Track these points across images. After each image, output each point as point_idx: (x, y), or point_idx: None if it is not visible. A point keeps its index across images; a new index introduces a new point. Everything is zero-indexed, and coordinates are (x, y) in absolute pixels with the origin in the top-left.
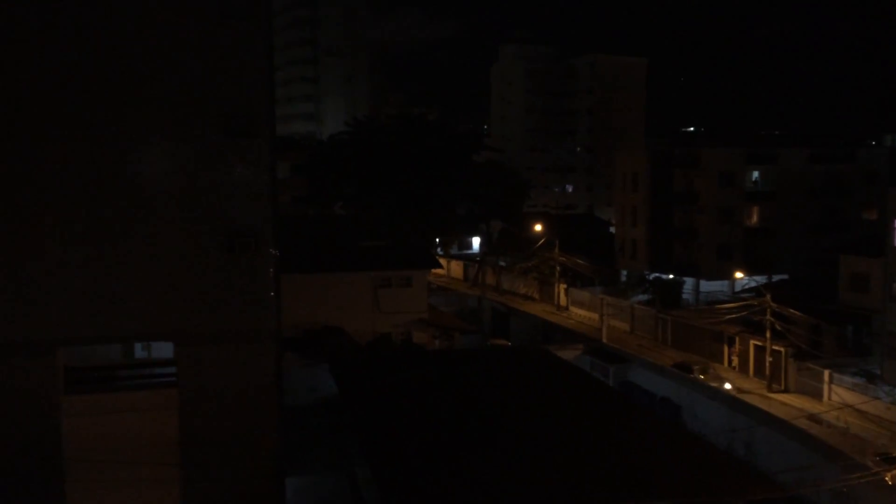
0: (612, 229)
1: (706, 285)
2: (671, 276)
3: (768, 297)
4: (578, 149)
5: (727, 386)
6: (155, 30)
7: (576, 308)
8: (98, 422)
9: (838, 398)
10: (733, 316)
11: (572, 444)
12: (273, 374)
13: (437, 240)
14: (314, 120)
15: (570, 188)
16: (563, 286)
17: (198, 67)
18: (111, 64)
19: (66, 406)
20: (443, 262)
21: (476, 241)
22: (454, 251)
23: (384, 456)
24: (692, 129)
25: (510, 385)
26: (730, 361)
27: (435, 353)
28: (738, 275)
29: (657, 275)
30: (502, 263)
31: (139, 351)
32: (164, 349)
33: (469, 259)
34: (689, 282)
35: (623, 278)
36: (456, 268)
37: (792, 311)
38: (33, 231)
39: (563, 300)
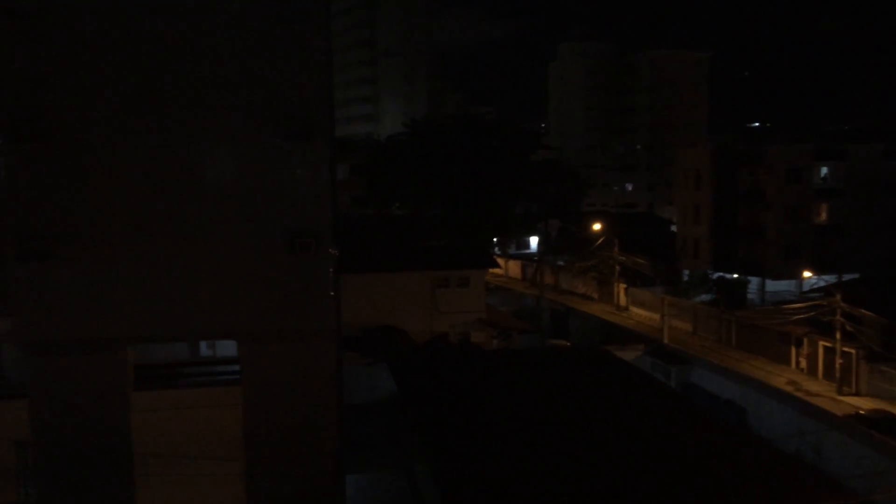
0: (674, 228)
1: (772, 285)
2: (735, 276)
3: (838, 296)
4: (638, 146)
5: None
6: (216, 35)
7: (636, 308)
8: (165, 418)
9: None
10: (801, 316)
11: (633, 446)
12: (333, 372)
13: (495, 239)
14: (373, 121)
15: (629, 186)
16: (622, 286)
17: (258, 71)
18: (175, 68)
19: (135, 402)
20: (500, 261)
21: (534, 241)
22: (512, 251)
23: (443, 455)
24: (757, 124)
25: (569, 386)
26: (798, 363)
27: (493, 352)
28: (807, 274)
29: (721, 274)
30: (561, 263)
31: (204, 349)
32: (228, 347)
33: (527, 258)
34: (754, 281)
35: (685, 278)
36: (514, 267)
37: (863, 311)
38: (106, 231)
39: (622, 300)
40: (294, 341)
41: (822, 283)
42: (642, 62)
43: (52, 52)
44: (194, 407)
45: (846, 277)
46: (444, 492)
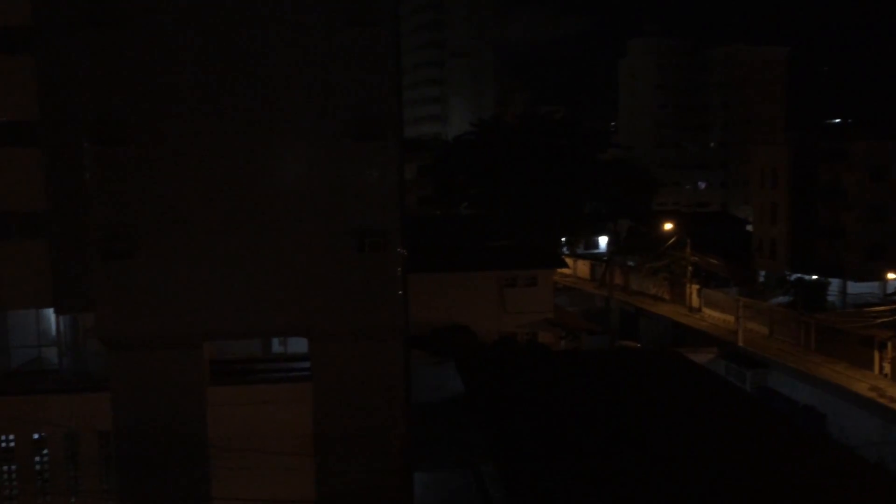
0: (750, 227)
1: (854, 287)
2: (814, 277)
3: None
4: (712, 144)
5: None
6: (288, 39)
7: (709, 310)
8: (239, 412)
9: None
10: (885, 320)
11: (706, 451)
12: (401, 370)
13: (563, 239)
14: (440, 121)
15: (702, 185)
16: (695, 287)
17: (329, 74)
18: (249, 72)
19: (210, 396)
20: (569, 261)
21: (603, 241)
22: (580, 250)
23: (510, 455)
24: (838, 120)
25: (640, 388)
26: (881, 368)
27: (561, 353)
28: (891, 276)
29: (799, 275)
30: (630, 263)
31: (276, 345)
32: (299, 344)
33: (596, 258)
34: (834, 283)
35: (761, 279)
36: (582, 267)
37: None
38: (184, 231)
39: (695, 301)
40: (363, 339)
41: None
42: (716, 58)
43: (134, 57)
44: (266, 402)
45: None
46: (510, 492)
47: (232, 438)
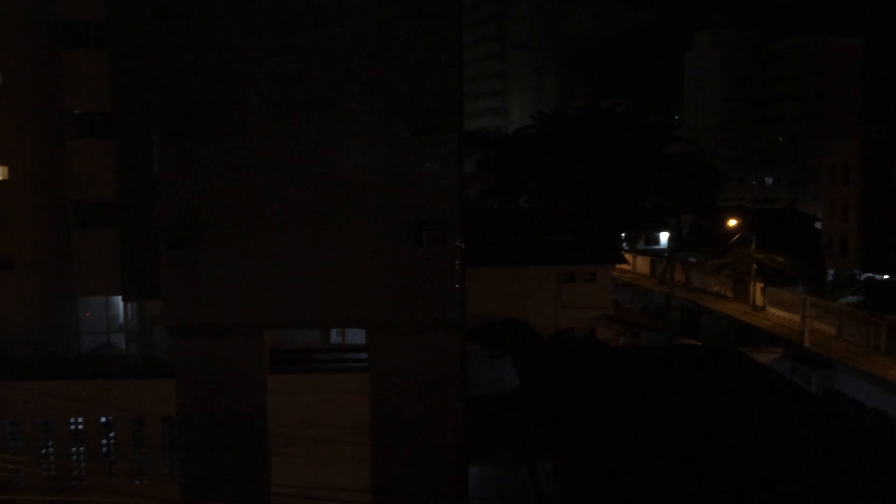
0: (818, 225)
1: None
2: (886, 277)
3: None
4: (780, 139)
5: None
6: (351, 32)
7: (773, 308)
8: (298, 401)
9: None
10: None
11: (771, 455)
12: (458, 363)
13: (623, 234)
14: (501, 114)
15: (769, 181)
16: (759, 285)
17: (391, 67)
18: (313, 65)
19: (270, 384)
20: (628, 257)
21: (664, 236)
22: (640, 246)
23: (567, 451)
24: None
25: (701, 387)
26: None
27: (620, 350)
28: None
29: (870, 275)
30: (692, 260)
31: (334, 336)
32: (356, 334)
33: (656, 254)
34: None
35: (830, 278)
36: (642, 263)
37: None
38: (248, 222)
39: (759, 300)
40: (420, 332)
41: None
42: (786, 50)
43: (202, 50)
44: (324, 391)
45: None
46: (566, 488)
47: (290, 426)
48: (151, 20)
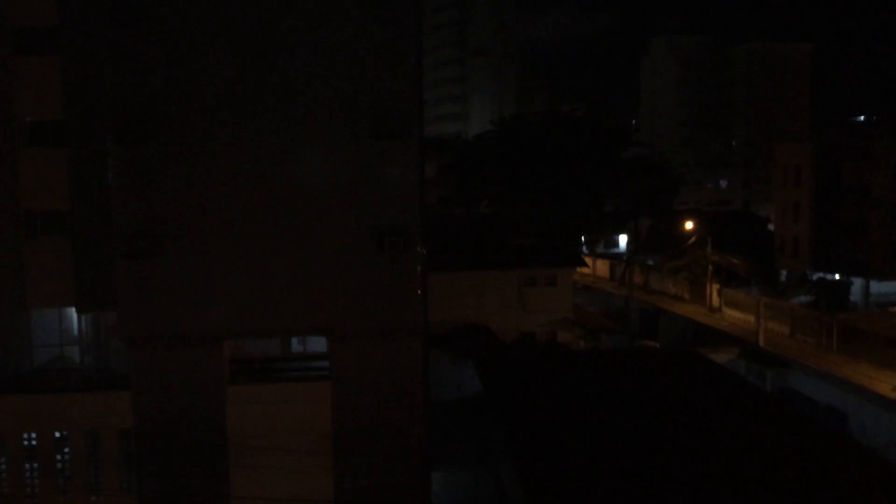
0: (771, 226)
1: (877, 286)
2: (837, 277)
3: None
4: (734, 142)
5: None
6: (311, 37)
7: (729, 309)
8: (258, 411)
9: None
10: None
11: (726, 452)
12: (420, 369)
13: (583, 238)
14: (461, 119)
15: (724, 184)
16: (715, 286)
17: (351, 72)
18: (271, 70)
19: (230, 395)
20: (588, 260)
21: (623, 240)
22: (600, 249)
23: (528, 455)
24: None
25: (659, 388)
26: None
27: (580, 353)
28: None
29: (821, 275)
30: (650, 262)
31: (295, 345)
32: (318, 343)
33: (615, 258)
34: (857, 283)
35: (782, 278)
36: (602, 266)
37: None
38: (206, 231)
39: (715, 301)
40: (382, 339)
41: None
42: (739, 55)
43: (158, 57)
44: (286, 401)
45: None
46: (528, 492)
47: (251, 437)
48: (107, 27)
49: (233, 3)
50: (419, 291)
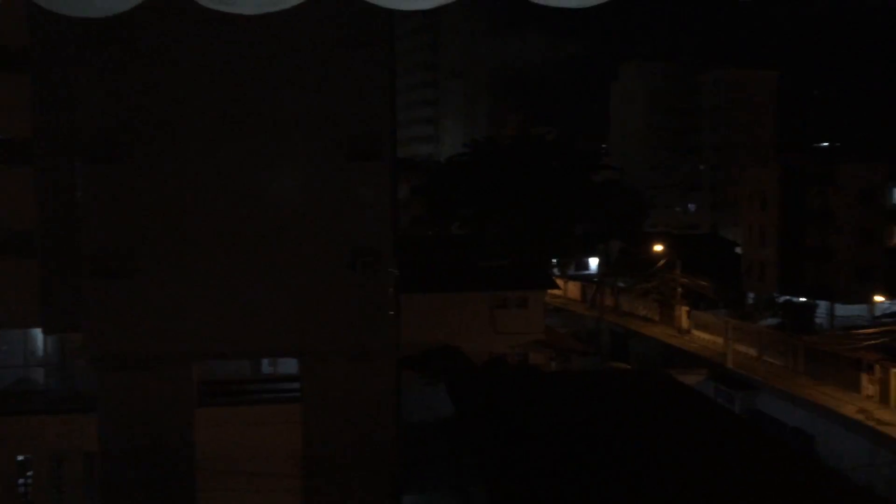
0: (738, 250)
1: (842, 309)
2: (803, 300)
3: None
4: (702, 167)
5: None
6: (286, 59)
7: (698, 331)
8: (227, 434)
9: None
10: (873, 342)
11: (696, 474)
12: (392, 391)
13: (554, 260)
14: (434, 142)
15: (692, 207)
16: (685, 308)
17: (324, 94)
18: (244, 92)
19: (198, 418)
20: (560, 282)
21: (594, 262)
22: (571, 272)
23: (499, 477)
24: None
25: (630, 409)
26: (869, 391)
27: (551, 374)
28: (879, 298)
29: (787, 298)
30: (621, 284)
31: (266, 366)
32: (289, 364)
33: (587, 280)
34: (822, 305)
35: (750, 301)
36: (573, 288)
37: None
38: (175, 250)
39: (684, 323)
40: (354, 360)
41: (895, 308)
42: (706, 81)
43: (129, 76)
44: (256, 424)
45: None
46: None
47: (220, 460)
48: (77, 45)
49: (207, 28)
50: (392, 313)
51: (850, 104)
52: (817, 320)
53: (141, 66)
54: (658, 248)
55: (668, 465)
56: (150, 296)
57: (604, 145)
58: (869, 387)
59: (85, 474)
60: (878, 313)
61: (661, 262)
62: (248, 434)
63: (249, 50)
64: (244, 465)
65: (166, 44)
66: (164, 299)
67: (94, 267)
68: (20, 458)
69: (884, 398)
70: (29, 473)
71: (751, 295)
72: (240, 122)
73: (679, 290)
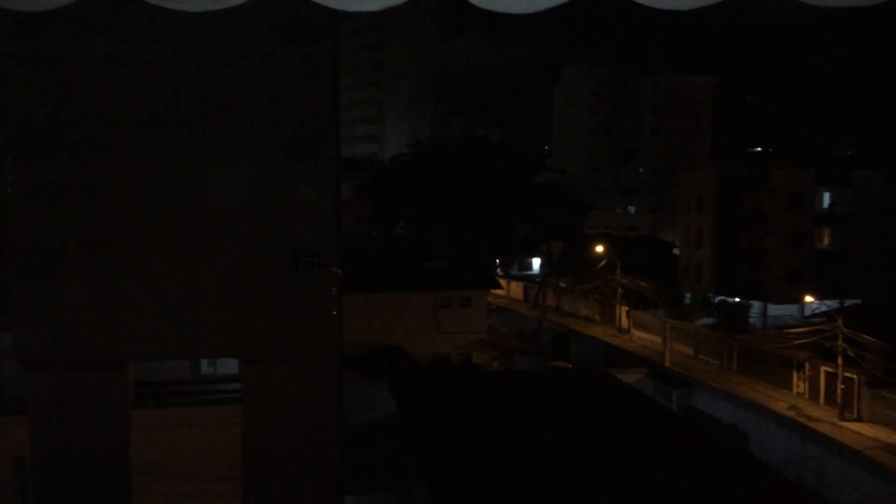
0: (676, 251)
1: (774, 309)
2: (737, 300)
3: (840, 321)
4: (641, 170)
5: None
6: (225, 56)
7: (638, 331)
8: (164, 436)
9: None
10: (803, 341)
11: (634, 470)
12: (335, 392)
13: (498, 260)
14: (377, 141)
15: (632, 209)
16: (624, 308)
17: (266, 92)
18: (182, 88)
19: (134, 420)
20: (503, 282)
21: (536, 262)
22: (514, 272)
23: (442, 477)
24: (760, 149)
25: (571, 408)
26: (799, 388)
27: (494, 374)
28: (808, 299)
29: (723, 298)
30: (563, 285)
31: (205, 367)
32: (229, 365)
33: (529, 280)
34: (756, 306)
35: (687, 301)
36: (516, 289)
37: (865, 336)
38: (109, 249)
39: (624, 323)
40: (296, 361)
41: (823, 308)
42: (646, 86)
43: (60, 71)
44: (194, 425)
45: (848, 303)
46: None
47: (157, 463)
48: (6, 39)
49: (142, 22)
50: (334, 313)
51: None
52: (751, 320)
53: (72, 61)
54: (599, 249)
55: (606, 462)
56: (81, 296)
57: (547, 147)
58: (800, 384)
59: (15, 479)
60: (807, 313)
61: (602, 262)
62: (186, 436)
63: (187, 46)
64: (182, 468)
65: (100, 38)
66: (97, 299)
67: (22, 266)
68: None
69: (813, 395)
70: None
71: (688, 295)
72: (176, 119)
73: (619, 290)
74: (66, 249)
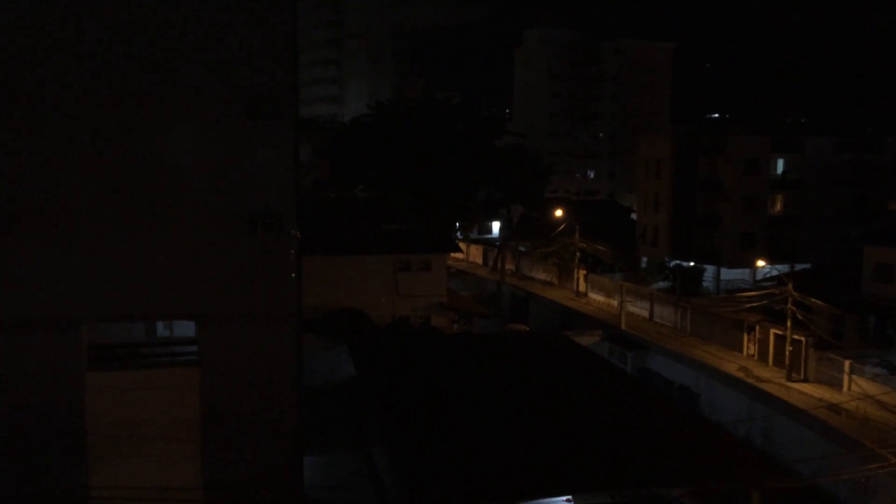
0: (634, 216)
1: (727, 273)
2: (692, 264)
3: (790, 285)
4: (601, 134)
5: None
6: (181, 13)
7: (595, 294)
8: (121, 398)
9: (858, 389)
10: (754, 304)
11: (589, 430)
12: (293, 354)
13: (457, 224)
14: (337, 102)
15: (591, 174)
16: (582, 272)
17: (223, 50)
18: (137, 45)
19: (89, 382)
20: (462, 246)
21: (496, 226)
22: (474, 235)
23: (401, 438)
24: (717, 115)
25: (528, 370)
26: (749, 350)
27: (453, 336)
28: (760, 263)
29: (678, 262)
30: (522, 248)
31: (161, 329)
32: (186, 327)
33: (489, 244)
34: (710, 270)
35: (643, 265)
36: (475, 252)
37: (814, 300)
38: (63, 209)
39: (582, 286)
40: (254, 323)
41: (775, 273)
42: (606, 50)
43: (9, 24)
44: (150, 388)
45: (798, 267)
46: (401, 474)
47: (113, 426)
48: None
49: None
50: (293, 275)
51: (740, 77)
52: (704, 284)
53: (17, 13)
54: (558, 213)
55: (562, 424)
56: (36, 256)
57: (507, 111)
58: (750, 346)
59: None
60: (759, 277)
61: (561, 226)
62: (142, 398)
63: (138, 4)
64: (139, 430)
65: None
66: (52, 260)
67: None
68: None
69: (763, 357)
70: None
71: (644, 259)
72: (132, 76)
73: (577, 254)
74: (18, 209)
